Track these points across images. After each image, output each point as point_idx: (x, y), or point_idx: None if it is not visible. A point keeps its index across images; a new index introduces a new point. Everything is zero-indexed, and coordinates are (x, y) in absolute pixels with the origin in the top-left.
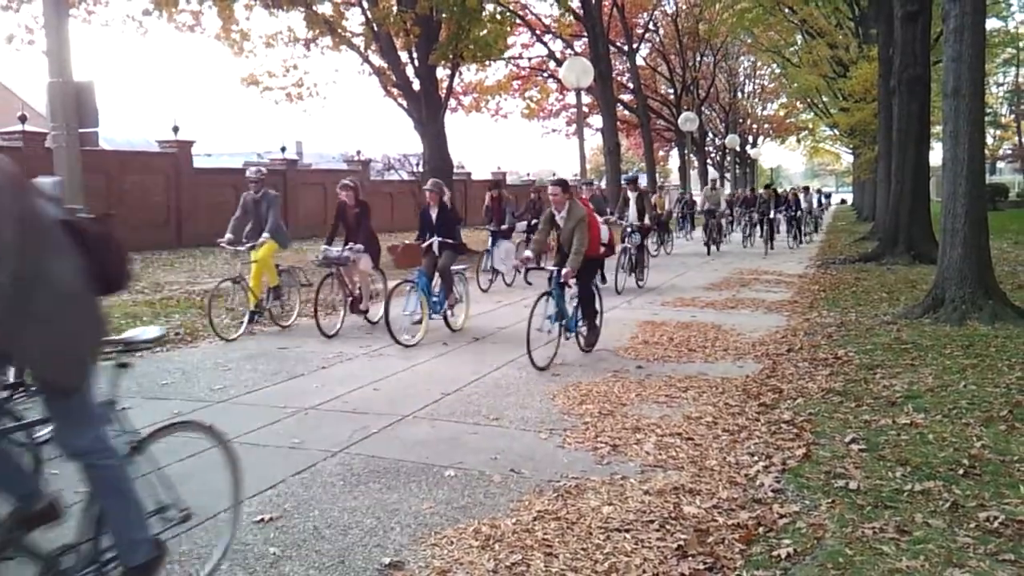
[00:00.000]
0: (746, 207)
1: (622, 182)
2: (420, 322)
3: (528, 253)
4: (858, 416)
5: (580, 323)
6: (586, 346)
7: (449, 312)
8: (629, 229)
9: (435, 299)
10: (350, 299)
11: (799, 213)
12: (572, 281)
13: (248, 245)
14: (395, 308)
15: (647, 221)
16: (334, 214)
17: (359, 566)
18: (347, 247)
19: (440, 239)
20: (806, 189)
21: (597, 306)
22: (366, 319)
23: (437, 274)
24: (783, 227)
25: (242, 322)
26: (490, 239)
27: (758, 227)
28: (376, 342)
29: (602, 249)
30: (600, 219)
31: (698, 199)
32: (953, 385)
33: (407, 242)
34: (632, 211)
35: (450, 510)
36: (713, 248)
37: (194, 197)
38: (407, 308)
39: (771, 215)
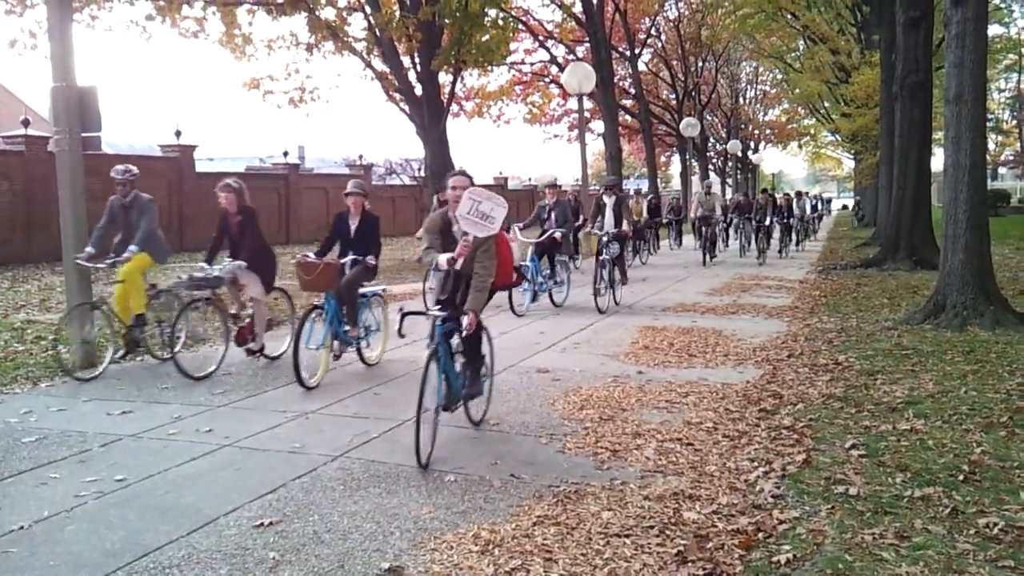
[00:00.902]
0: (741, 213)
1: (601, 186)
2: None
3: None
4: (858, 422)
5: (466, 383)
6: (472, 416)
7: (364, 342)
8: (605, 239)
9: (346, 327)
10: (236, 330)
11: (790, 221)
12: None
13: (110, 260)
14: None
15: (624, 227)
16: (217, 224)
17: (359, 571)
18: (227, 264)
19: (354, 256)
20: (798, 195)
21: (485, 350)
22: (261, 355)
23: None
24: (776, 235)
25: (104, 356)
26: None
27: (754, 235)
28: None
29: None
30: (529, 234)
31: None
32: (954, 391)
33: (327, 260)
34: (608, 218)
35: (450, 515)
36: (708, 257)
37: (196, 201)
38: (310, 340)
39: (767, 222)
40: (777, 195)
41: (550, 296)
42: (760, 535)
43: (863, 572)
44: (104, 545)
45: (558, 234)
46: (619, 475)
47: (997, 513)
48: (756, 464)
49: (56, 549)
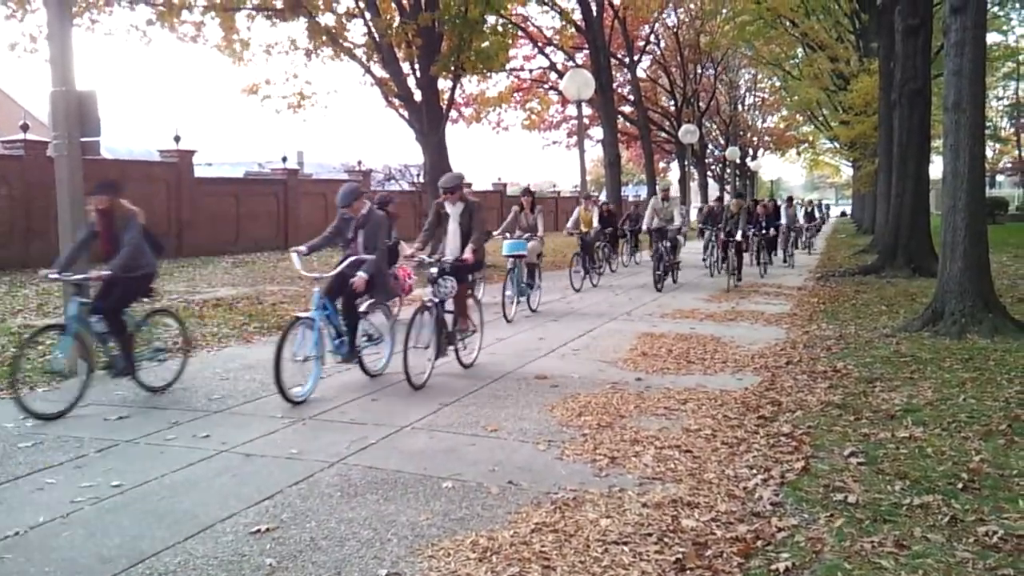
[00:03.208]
0: (714, 223)
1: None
2: None
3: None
4: (857, 429)
5: None
6: None
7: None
8: (435, 270)
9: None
10: None
11: (770, 233)
12: None
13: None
14: None
15: (468, 254)
16: None
17: None
18: None
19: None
20: (789, 200)
21: None
22: None
23: None
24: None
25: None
26: (71, 301)
27: (723, 250)
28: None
29: None
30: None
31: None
32: (952, 399)
33: None
34: (451, 237)
35: (447, 522)
36: (671, 279)
37: (195, 207)
38: None
39: (738, 235)
40: (764, 201)
41: (361, 365)
42: (759, 543)
43: None
44: (100, 551)
45: (361, 278)
46: (617, 482)
47: (996, 521)
48: (755, 471)
49: (52, 555)
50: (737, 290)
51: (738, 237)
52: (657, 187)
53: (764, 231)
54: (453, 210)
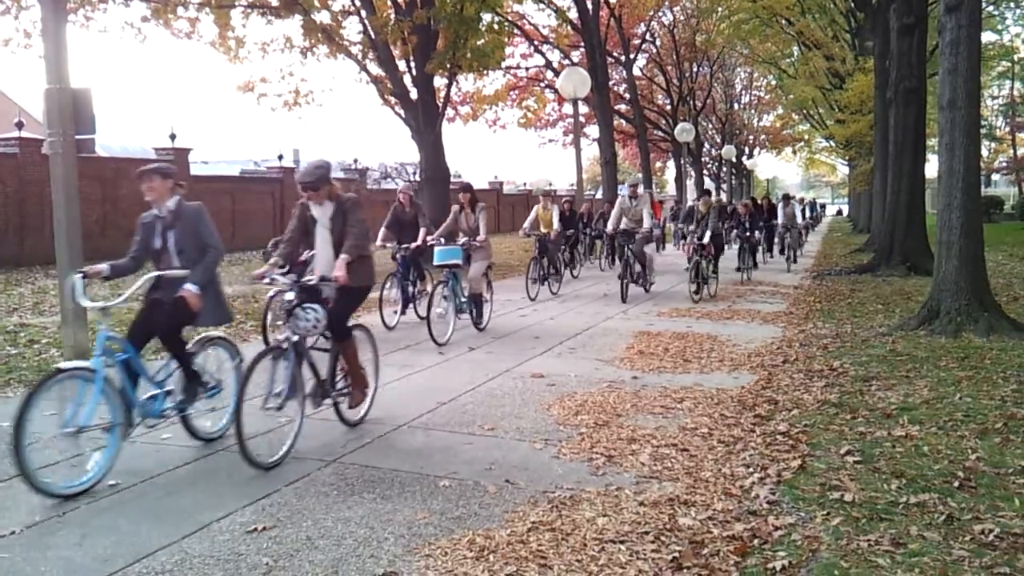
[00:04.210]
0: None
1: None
2: None
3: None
4: (853, 428)
5: None
6: None
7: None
8: (292, 295)
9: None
10: None
11: (754, 235)
12: None
13: None
14: None
15: (340, 272)
16: None
17: None
18: None
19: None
20: (785, 198)
21: None
22: None
23: None
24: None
25: None
26: None
27: (694, 255)
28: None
29: None
30: None
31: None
32: (948, 397)
33: None
34: (321, 249)
35: (444, 520)
36: (645, 287)
37: None
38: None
39: (706, 238)
40: (744, 201)
41: (186, 423)
42: (755, 541)
43: None
44: (96, 550)
45: (190, 291)
46: (614, 481)
47: (992, 520)
48: (751, 470)
49: (48, 554)
50: (735, 291)
51: (705, 240)
52: (626, 183)
53: (748, 232)
54: (320, 213)
